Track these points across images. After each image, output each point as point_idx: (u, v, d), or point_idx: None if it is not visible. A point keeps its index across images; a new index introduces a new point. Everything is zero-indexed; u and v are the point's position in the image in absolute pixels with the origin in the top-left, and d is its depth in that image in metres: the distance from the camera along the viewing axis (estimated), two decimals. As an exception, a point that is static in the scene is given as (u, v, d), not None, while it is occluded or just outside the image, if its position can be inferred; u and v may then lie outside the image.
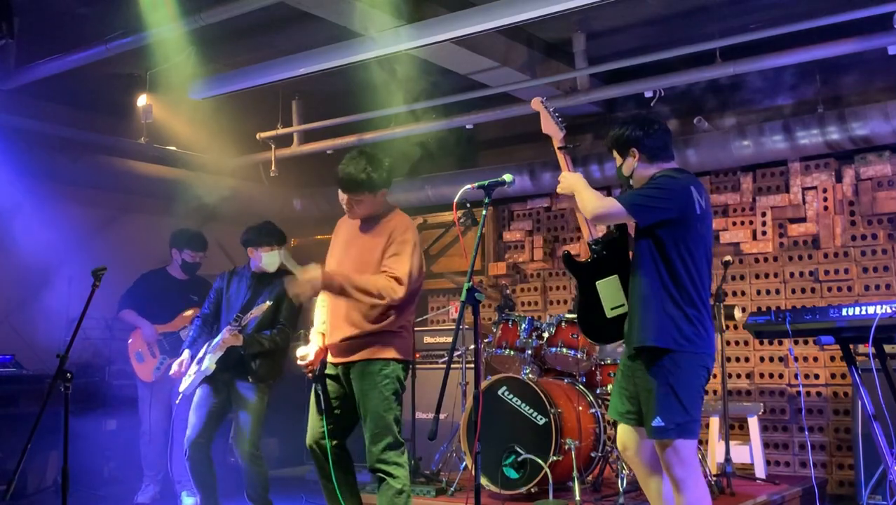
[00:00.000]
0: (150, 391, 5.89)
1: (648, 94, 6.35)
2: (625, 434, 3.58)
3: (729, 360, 6.53)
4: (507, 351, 5.53)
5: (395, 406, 3.88)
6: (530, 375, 5.35)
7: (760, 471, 5.90)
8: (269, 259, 4.98)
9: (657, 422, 3.31)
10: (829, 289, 6.35)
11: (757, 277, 6.65)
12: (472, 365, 3.86)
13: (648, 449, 3.53)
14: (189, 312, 5.85)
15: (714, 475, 5.37)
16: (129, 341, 5.96)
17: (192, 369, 4.90)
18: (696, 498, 3.36)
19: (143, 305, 5.91)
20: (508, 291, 6.33)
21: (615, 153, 3.68)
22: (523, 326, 5.54)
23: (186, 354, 4.94)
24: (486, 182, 3.47)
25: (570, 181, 3.59)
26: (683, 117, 7.01)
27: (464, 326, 5.73)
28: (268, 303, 4.78)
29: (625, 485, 4.92)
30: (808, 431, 6.24)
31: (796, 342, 6.33)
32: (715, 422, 5.98)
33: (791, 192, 6.59)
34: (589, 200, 3.46)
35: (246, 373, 4.89)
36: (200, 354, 4.92)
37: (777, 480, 5.75)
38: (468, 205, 5.96)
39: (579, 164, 7.12)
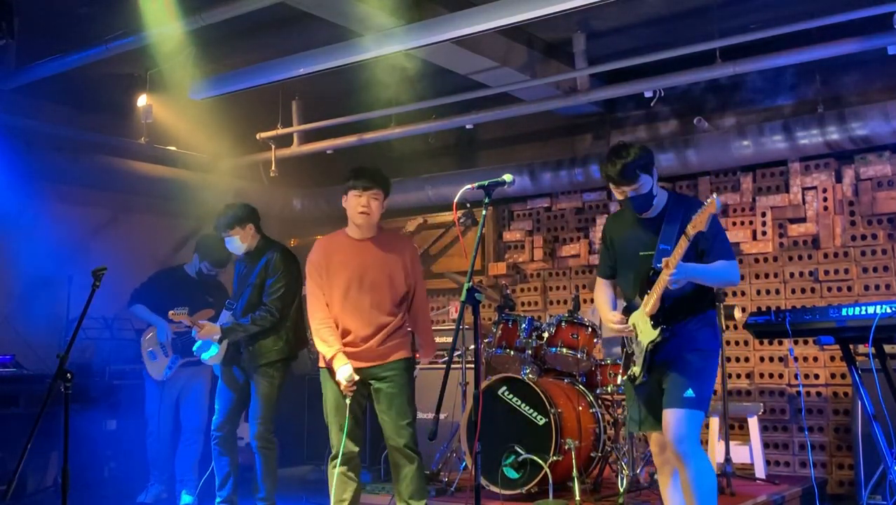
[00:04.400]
0: (161, 390, 5.88)
1: (648, 94, 6.35)
2: (659, 440, 3.73)
3: (729, 360, 6.53)
4: (507, 351, 5.53)
5: None
6: (530, 375, 5.35)
7: (760, 471, 5.90)
8: (231, 244, 5.05)
9: (689, 393, 3.54)
10: (829, 289, 6.35)
11: (757, 277, 6.65)
12: (472, 365, 3.88)
13: None
14: (203, 313, 5.82)
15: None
16: (144, 338, 5.94)
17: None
18: (706, 468, 3.57)
19: (157, 301, 5.84)
20: (508, 291, 6.33)
21: (641, 177, 3.61)
22: (523, 326, 5.54)
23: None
24: (486, 182, 3.48)
25: (687, 272, 3.51)
26: (683, 117, 7.02)
27: (464, 326, 5.74)
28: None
29: (625, 485, 4.92)
30: (808, 431, 6.24)
31: (796, 342, 6.33)
32: (715, 422, 5.98)
33: (791, 192, 6.59)
34: (720, 274, 3.61)
35: (244, 359, 4.95)
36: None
37: (777, 480, 5.76)
38: (468, 205, 5.98)
39: (579, 164, 7.13)
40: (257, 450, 4.87)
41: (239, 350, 4.99)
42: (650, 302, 3.60)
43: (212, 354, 5.00)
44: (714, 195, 3.39)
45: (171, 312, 5.19)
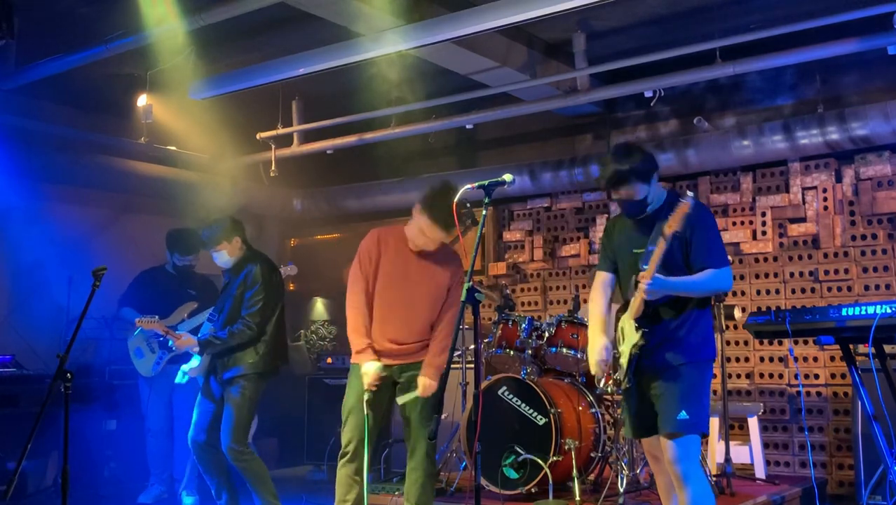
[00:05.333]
0: (150, 387, 5.91)
1: (648, 94, 6.34)
2: (654, 446, 3.67)
3: (729, 360, 6.53)
4: (507, 351, 5.53)
5: None
6: (530, 375, 5.35)
7: (760, 471, 5.90)
8: (218, 258, 5.00)
9: (682, 415, 3.42)
10: (829, 289, 6.35)
11: (757, 276, 6.65)
12: (472, 365, 3.87)
13: None
14: (187, 306, 5.86)
15: (714, 475, 5.37)
16: (130, 337, 5.97)
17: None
18: (703, 492, 3.48)
19: (141, 302, 5.91)
20: (508, 291, 6.32)
21: (637, 185, 3.52)
22: (523, 326, 5.54)
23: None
24: (486, 182, 3.47)
25: (664, 285, 3.44)
26: (683, 117, 7.02)
27: (464, 326, 5.73)
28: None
29: (625, 485, 4.92)
30: (808, 431, 6.24)
31: (796, 342, 6.33)
32: (715, 422, 5.97)
33: (791, 192, 6.59)
34: (703, 285, 3.51)
35: (220, 370, 4.91)
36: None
37: (777, 480, 5.76)
38: (468, 205, 5.96)
39: (579, 164, 7.13)
40: (232, 463, 4.81)
41: (212, 362, 4.93)
42: (634, 305, 3.53)
43: (192, 366, 4.95)
44: (690, 194, 3.33)
45: (137, 320, 5.30)
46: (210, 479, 4.92)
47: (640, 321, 3.53)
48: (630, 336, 3.58)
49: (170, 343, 5.03)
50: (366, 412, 4.15)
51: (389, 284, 4.23)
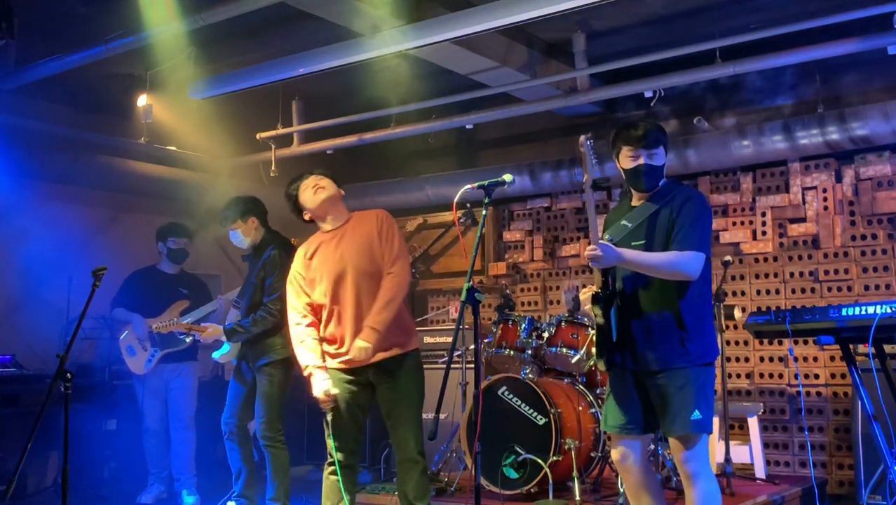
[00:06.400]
0: (143, 385, 5.92)
1: (648, 94, 6.33)
2: (626, 444, 3.60)
3: (729, 360, 6.53)
4: (507, 351, 5.53)
5: None
6: (530, 375, 5.35)
7: (760, 471, 5.90)
8: (234, 238, 5.02)
9: (696, 415, 3.41)
10: (829, 289, 6.35)
11: (757, 276, 6.65)
12: (472, 365, 3.87)
13: (645, 456, 3.67)
14: (178, 305, 5.86)
15: (714, 475, 5.36)
16: (120, 336, 5.98)
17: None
18: (712, 489, 3.49)
19: (133, 301, 5.93)
20: (508, 291, 6.33)
21: (658, 149, 3.54)
22: (523, 326, 5.54)
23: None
24: (486, 182, 3.47)
25: (615, 256, 3.37)
26: (683, 117, 7.01)
27: (464, 326, 5.73)
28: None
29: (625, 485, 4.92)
30: (807, 431, 6.24)
31: (796, 342, 6.33)
32: (715, 422, 5.94)
33: (791, 192, 6.60)
34: (664, 262, 3.41)
35: (251, 358, 4.94)
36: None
37: (777, 480, 5.75)
38: (468, 205, 5.98)
39: (579, 164, 7.12)
40: (263, 447, 4.90)
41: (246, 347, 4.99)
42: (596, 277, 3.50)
43: (223, 353, 5.05)
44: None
45: (154, 326, 5.34)
46: (234, 462, 4.99)
47: (599, 297, 3.47)
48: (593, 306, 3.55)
49: (195, 336, 5.04)
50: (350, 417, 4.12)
51: (328, 285, 4.05)
